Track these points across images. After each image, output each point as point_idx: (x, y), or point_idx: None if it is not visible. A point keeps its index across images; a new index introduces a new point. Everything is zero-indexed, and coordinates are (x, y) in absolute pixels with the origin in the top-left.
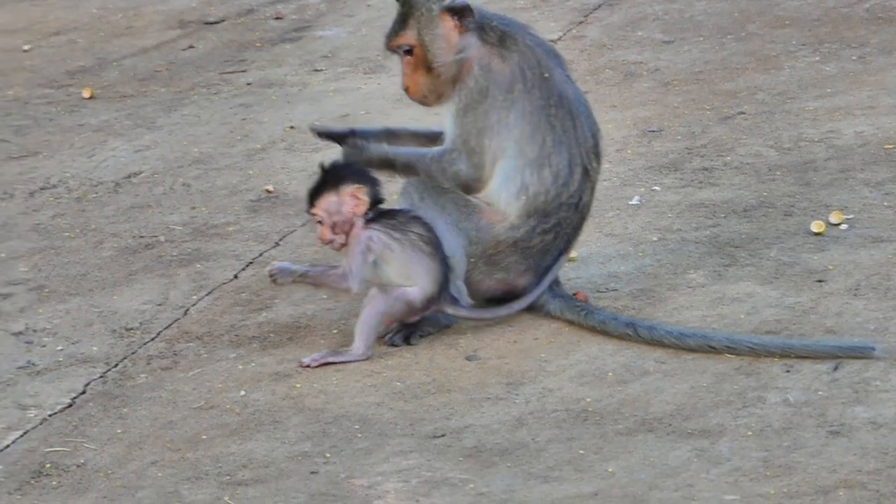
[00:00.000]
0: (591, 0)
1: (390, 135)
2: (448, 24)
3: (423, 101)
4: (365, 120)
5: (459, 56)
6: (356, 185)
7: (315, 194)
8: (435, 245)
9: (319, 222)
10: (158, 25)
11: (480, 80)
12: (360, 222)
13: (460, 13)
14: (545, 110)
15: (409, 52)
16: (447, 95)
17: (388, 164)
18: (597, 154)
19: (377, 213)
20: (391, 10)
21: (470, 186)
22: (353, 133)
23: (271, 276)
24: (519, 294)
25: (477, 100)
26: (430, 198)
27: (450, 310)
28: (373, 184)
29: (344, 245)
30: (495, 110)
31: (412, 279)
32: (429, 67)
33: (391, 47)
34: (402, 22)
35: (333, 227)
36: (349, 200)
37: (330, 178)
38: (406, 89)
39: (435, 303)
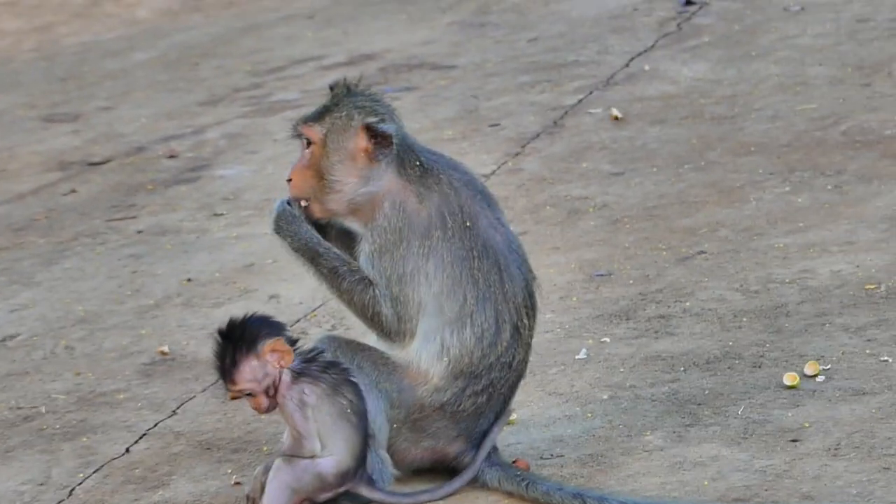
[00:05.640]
0: (528, 128)
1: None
2: (360, 143)
3: (302, 205)
4: (272, 270)
5: (368, 188)
6: (273, 339)
7: (231, 368)
8: (361, 417)
9: (249, 394)
10: (36, 167)
11: (394, 220)
12: (286, 376)
13: (378, 139)
14: (466, 262)
15: (310, 144)
16: (337, 214)
17: (312, 257)
18: (530, 308)
19: (303, 361)
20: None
21: (389, 337)
22: (297, 202)
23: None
24: (451, 463)
25: (393, 242)
26: (344, 354)
27: (365, 491)
28: (282, 329)
29: (274, 408)
30: (412, 257)
31: (329, 448)
32: (320, 174)
33: (296, 129)
34: (320, 113)
35: (266, 392)
36: (271, 358)
37: (239, 343)
38: (289, 181)
39: (349, 480)
